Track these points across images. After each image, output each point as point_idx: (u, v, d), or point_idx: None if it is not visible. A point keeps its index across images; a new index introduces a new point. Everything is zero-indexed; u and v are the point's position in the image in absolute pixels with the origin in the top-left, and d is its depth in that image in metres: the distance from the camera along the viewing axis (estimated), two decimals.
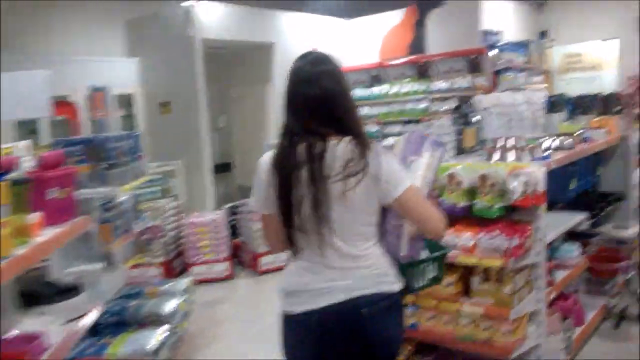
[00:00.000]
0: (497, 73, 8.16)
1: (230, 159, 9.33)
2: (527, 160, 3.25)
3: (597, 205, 4.10)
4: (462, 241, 2.98)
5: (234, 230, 6.40)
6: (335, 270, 1.95)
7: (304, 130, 1.93)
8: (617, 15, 9.42)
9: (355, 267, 1.96)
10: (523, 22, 10.06)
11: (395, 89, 8.59)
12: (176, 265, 6.11)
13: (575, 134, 3.99)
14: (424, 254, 2.19)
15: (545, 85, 9.09)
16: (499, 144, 3.32)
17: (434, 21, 9.11)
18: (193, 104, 7.61)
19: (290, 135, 1.95)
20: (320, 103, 1.94)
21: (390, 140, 3.72)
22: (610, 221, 4.38)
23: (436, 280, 2.27)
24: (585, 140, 4.00)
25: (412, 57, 8.70)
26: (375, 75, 8.90)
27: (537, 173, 2.98)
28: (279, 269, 6.13)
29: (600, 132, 4.23)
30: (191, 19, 7.47)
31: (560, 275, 3.47)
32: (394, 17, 9.56)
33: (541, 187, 3.01)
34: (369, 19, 9.75)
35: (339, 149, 1.90)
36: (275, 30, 8.55)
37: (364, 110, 8.86)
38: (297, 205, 1.91)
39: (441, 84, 8.12)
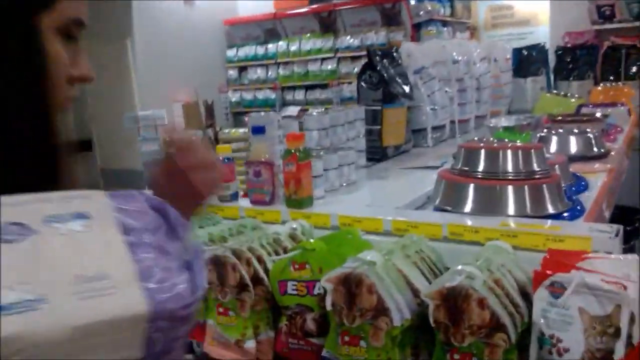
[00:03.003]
0: (417, 27, 6.06)
1: (88, 135, 6.77)
2: (553, 208, 1.10)
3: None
4: None
5: None
6: None
7: None
8: None
9: None
10: None
11: (294, 46, 6.33)
12: None
13: (587, 117, 1.90)
14: None
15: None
16: (503, 160, 1.13)
17: None
18: None
19: None
20: None
21: (292, 110, 1.79)
22: None
23: None
24: (608, 128, 1.91)
25: (315, 6, 6.40)
26: (270, 29, 6.58)
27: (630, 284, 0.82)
28: None
29: (622, 111, 2.16)
30: None
31: None
32: None
33: None
34: None
35: None
36: None
37: (256, 73, 6.56)
38: None
39: (350, 40, 5.95)
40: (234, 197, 1.36)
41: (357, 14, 5.97)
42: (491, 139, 1.57)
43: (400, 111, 1.89)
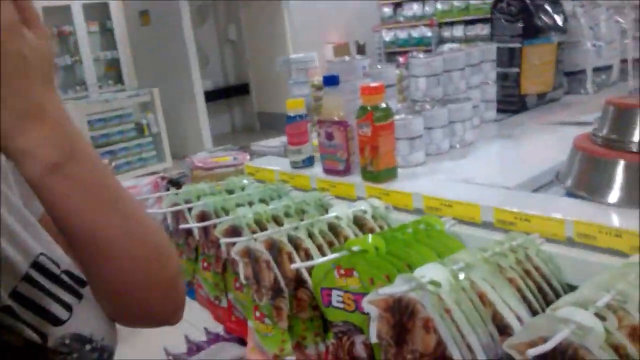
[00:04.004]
0: None
1: (246, 79, 6.91)
2: None
3: None
4: None
5: None
6: None
7: None
8: None
9: None
10: None
11: None
12: None
13: None
14: None
15: None
16: None
17: None
18: (172, 10, 5.20)
19: None
20: None
21: (448, 47, 1.49)
22: None
23: None
24: None
25: None
26: None
27: None
28: None
29: None
30: None
31: None
32: None
33: None
34: None
35: None
36: None
37: (412, 9, 6.11)
38: None
39: None
40: (307, 162, 1.11)
41: None
42: None
43: (547, 49, 1.46)
